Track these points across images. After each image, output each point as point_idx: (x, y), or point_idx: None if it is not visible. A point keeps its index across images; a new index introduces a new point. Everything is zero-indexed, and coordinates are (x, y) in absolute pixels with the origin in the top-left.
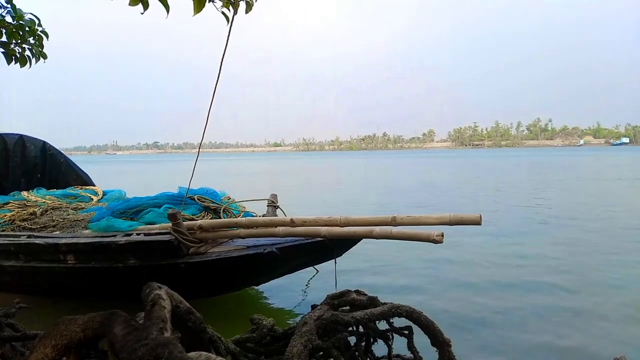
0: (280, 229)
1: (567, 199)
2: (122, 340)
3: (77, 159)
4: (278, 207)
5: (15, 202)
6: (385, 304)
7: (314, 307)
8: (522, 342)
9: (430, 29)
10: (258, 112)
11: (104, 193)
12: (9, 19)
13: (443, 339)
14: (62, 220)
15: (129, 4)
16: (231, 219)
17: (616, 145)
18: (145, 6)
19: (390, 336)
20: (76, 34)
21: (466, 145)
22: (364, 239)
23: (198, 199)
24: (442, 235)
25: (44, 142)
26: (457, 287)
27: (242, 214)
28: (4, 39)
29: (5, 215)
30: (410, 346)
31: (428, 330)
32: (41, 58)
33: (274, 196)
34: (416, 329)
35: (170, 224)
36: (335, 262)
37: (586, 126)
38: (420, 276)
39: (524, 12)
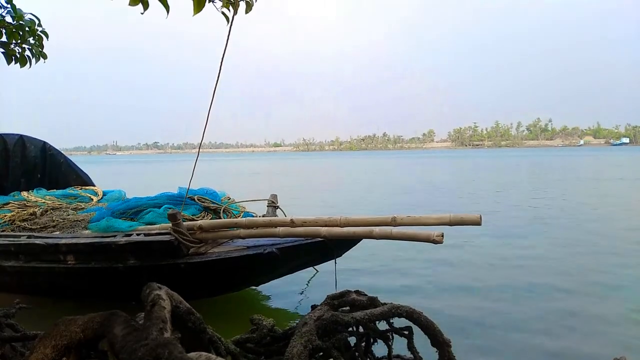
0: (280, 229)
1: (567, 199)
2: (122, 340)
3: (77, 159)
4: (278, 207)
5: (15, 202)
6: (385, 304)
7: (314, 307)
8: (521, 343)
9: (431, 29)
10: (258, 112)
11: (104, 193)
12: (9, 19)
13: (443, 339)
14: (62, 220)
15: (129, 4)
16: (231, 219)
17: (616, 145)
18: (145, 6)
19: (390, 336)
20: (76, 34)
21: (466, 146)
22: (364, 239)
23: (198, 200)
24: (442, 236)
25: (44, 142)
26: (457, 288)
27: (242, 214)
28: (4, 39)
29: (5, 216)
30: (410, 346)
31: (428, 331)
32: (41, 58)
33: (274, 196)
34: (416, 330)
35: (170, 224)
36: (335, 262)
37: (586, 126)
38: (420, 276)
39: (524, 12)
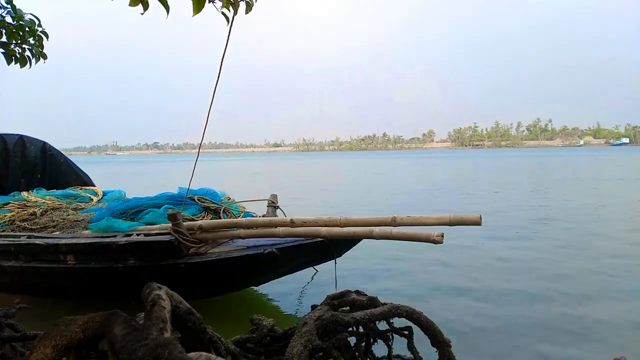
0: (280, 229)
1: (567, 199)
2: (122, 340)
3: (77, 159)
4: (278, 207)
5: (15, 202)
6: (385, 304)
7: (314, 307)
8: (521, 343)
9: (431, 29)
10: (258, 112)
11: (104, 193)
12: (9, 19)
13: (443, 339)
14: (62, 220)
15: (129, 5)
16: (231, 219)
17: (616, 145)
18: (145, 7)
19: (390, 336)
20: (76, 34)
21: (466, 146)
22: (364, 240)
23: (198, 200)
24: (442, 236)
25: (44, 142)
26: (457, 288)
27: (242, 215)
28: (4, 39)
29: (5, 216)
30: (410, 346)
31: (428, 331)
32: (41, 58)
33: (274, 196)
34: (416, 330)
35: (170, 225)
36: (335, 263)
37: (586, 126)
38: (420, 276)
39: (524, 12)
